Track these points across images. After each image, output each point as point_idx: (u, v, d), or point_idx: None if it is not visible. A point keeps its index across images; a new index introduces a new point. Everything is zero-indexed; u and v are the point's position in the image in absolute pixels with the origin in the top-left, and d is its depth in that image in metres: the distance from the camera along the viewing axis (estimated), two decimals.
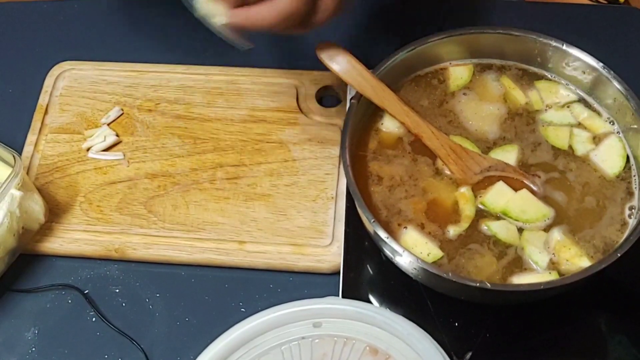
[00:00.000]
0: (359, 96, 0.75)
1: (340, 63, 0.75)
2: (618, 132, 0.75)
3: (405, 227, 0.71)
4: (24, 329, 0.77)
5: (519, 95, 0.78)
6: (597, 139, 0.75)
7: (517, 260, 0.70)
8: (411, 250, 0.68)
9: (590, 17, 0.98)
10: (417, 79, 0.80)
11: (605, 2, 1.00)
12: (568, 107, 0.78)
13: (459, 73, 0.80)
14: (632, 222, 0.70)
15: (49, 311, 0.78)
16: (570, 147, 0.75)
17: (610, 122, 0.76)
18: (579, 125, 0.76)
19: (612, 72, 0.74)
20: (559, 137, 0.76)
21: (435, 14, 0.97)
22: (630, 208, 0.72)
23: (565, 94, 0.78)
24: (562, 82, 0.79)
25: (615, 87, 0.74)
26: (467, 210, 0.72)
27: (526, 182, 0.73)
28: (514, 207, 0.71)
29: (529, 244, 0.70)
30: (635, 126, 0.73)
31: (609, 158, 0.74)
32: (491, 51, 0.80)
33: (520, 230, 0.71)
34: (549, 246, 0.70)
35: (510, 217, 0.71)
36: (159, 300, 0.78)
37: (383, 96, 0.75)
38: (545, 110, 0.77)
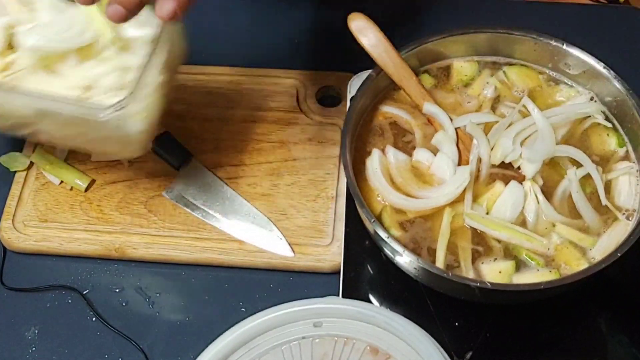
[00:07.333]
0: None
1: (369, 37, 0.77)
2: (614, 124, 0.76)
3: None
4: (24, 329, 0.77)
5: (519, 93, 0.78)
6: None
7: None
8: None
9: (590, 17, 0.98)
10: (423, 73, 0.80)
11: (605, 2, 1.00)
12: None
13: (463, 69, 0.80)
14: (632, 223, 0.70)
15: (49, 311, 0.78)
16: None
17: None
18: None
19: (612, 72, 0.74)
20: None
21: (436, 14, 0.98)
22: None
23: (565, 93, 0.78)
24: (563, 80, 0.79)
25: (615, 86, 0.74)
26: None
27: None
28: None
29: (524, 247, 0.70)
30: (635, 126, 0.73)
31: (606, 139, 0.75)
32: (492, 50, 0.80)
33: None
34: (548, 248, 0.70)
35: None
36: (159, 300, 0.78)
37: (403, 75, 0.77)
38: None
